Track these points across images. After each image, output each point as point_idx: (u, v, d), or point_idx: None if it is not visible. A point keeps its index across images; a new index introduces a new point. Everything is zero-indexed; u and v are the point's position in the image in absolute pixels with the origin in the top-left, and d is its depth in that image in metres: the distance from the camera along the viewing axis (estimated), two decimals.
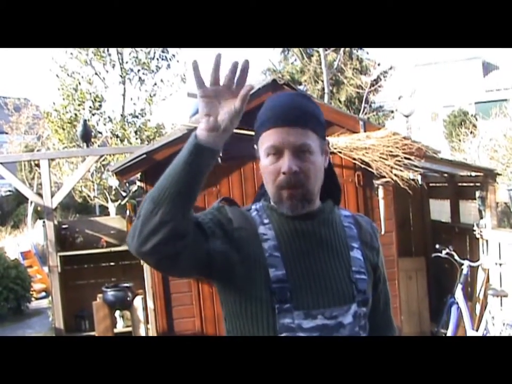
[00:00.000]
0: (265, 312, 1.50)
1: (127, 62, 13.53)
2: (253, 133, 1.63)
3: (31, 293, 10.22)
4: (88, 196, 13.18)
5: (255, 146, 1.61)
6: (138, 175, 5.23)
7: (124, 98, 13.66)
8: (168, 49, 13.81)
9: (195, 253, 1.45)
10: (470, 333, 5.39)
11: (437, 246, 5.84)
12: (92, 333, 5.69)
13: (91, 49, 12.77)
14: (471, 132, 15.36)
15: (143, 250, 1.38)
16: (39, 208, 14.20)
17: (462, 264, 5.66)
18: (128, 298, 5.57)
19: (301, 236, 1.57)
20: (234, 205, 1.62)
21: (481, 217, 5.91)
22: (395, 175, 4.98)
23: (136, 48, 13.40)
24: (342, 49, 16.94)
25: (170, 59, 13.93)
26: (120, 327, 6.24)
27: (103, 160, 11.08)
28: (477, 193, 5.86)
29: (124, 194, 11.46)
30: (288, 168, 1.49)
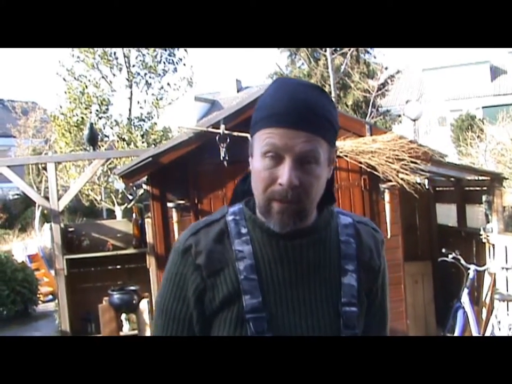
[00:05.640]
0: None
1: (133, 66, 13.60)
2: None
3: (38, 295, 10.27)
4: (95, 199, 13.23)
5: (250, 139, 1.35)
6: (144, 178, 5.24)
7: (130, 102, 13.73)
8: (175, 52, 13.87)
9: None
10: None
11: (443, 250, 5.83)
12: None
13: (98, 53, 12.84)
14: (478, 136, 15.33)
15: None
16: (46, 212, 14.26)
17: (469, 269, 5.65)
18: (134, 301, 5.58)
19: (284, 258, 1.32)
20: (200, 230, 1.37)
21: (488, 222, 5.90)
22: (401, 179, 4.97)
23: (142, 52, 13.47)
24: (349, 53, 16.94)
25: (177, 63, 13.99)
26: (126, 330, 6.24)
27: (110, 163, 11.14)
28: (484, 198, 5.86)
29: (130, 197, 11.51)
30: (288, 180, 1.22)
